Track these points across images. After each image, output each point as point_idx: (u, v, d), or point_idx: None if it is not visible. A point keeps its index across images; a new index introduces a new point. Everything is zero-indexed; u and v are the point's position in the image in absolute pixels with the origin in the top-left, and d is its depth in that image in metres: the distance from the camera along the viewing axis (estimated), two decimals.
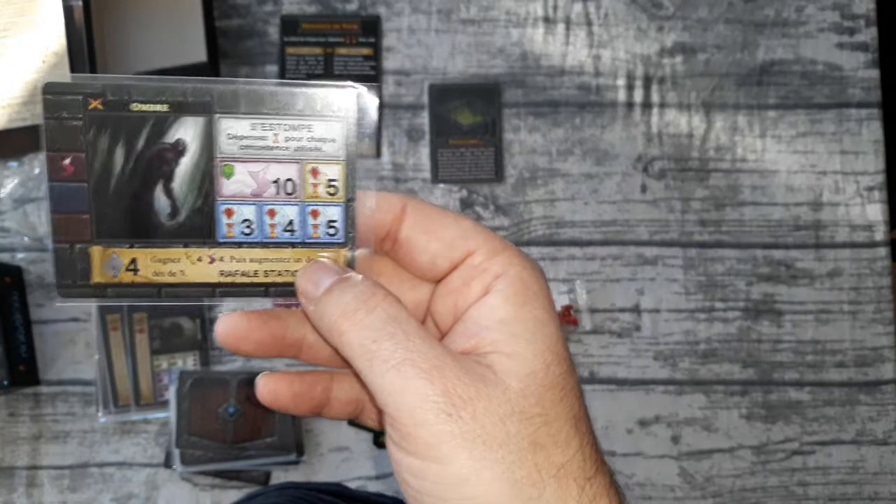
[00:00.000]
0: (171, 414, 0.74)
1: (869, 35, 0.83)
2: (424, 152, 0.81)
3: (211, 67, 0.78)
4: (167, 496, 0.76)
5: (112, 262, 0.27)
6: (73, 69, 0.80)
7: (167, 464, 0.76)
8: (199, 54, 0.77)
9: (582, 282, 0.80)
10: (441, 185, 0.81)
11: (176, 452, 0.73)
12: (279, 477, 0.76)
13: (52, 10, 0.80)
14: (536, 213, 0.81)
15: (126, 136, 0.27)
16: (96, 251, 0.27)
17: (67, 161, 0.26)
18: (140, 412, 0.76)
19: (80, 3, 0.77)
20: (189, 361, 0.77)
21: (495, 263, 0.27)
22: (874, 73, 0.82)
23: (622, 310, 0.80)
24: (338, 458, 0.77)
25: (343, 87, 0.28)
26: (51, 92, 0.26)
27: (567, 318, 0.78)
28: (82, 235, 0.27)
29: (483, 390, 0.25)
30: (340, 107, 0.28)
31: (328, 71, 0.81)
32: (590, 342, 0.80)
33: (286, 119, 0.27)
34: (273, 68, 0.81)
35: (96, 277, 0.27)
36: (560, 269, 0.80)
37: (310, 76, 0.81)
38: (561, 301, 0.79)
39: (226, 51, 0.82)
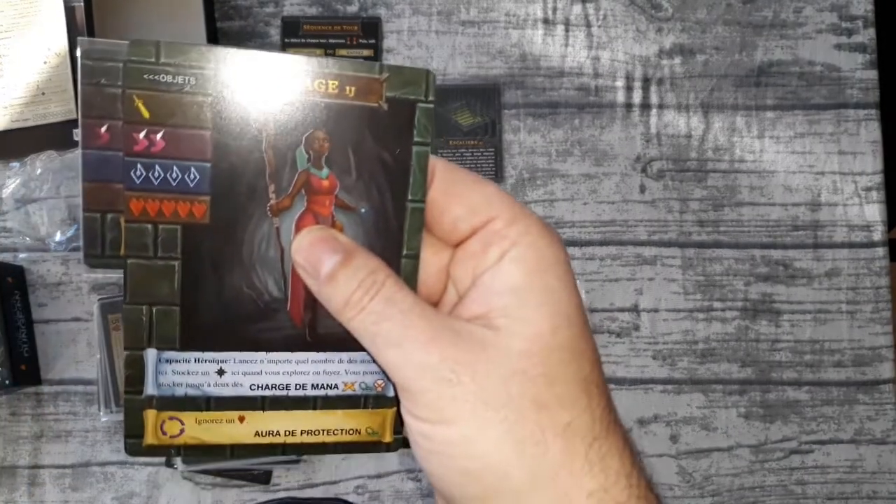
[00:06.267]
0: None
1: (867, 36, 0.83)
2: None
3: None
4: (168, 495, 0.77)
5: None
6: (74, 71, 0.80)
7: (168, 463, 0.76)
8: None
9: (581, 282, 0.80)
10: None
11: None
12: (280, 476, 0.77)
13: (54, 12, 0.80)
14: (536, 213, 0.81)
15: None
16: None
17: (103, 129, 0.25)
18: None
19: (82, 4, 0.77)
20: None
21: (513, 230, 0.27)
22: (872, 74, 0.83)
23: (621, 309, 0.81)
24: (338, 458, 0.78)
25: None
26: (90, 57, 0.25)
27: None
28: (114, 205, 0.26)
29: (482, 354, 0.25)
30: None
31: None
32: None
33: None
34: None
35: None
36: None
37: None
38: None
39: None
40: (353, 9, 0.83)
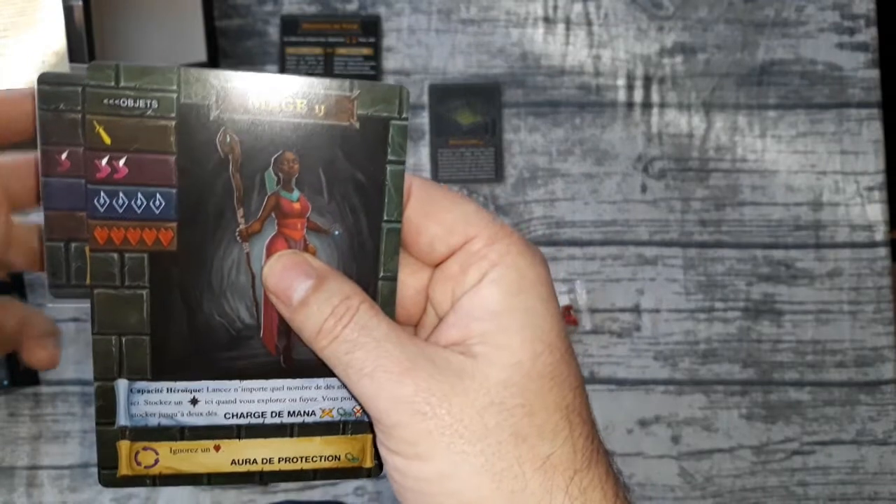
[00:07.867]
0: None
1: (869, 35, 0.83)
2: (424, 152, 0.81)
3: (211, 67, 0.78)
4: (167, 496, 0.77)
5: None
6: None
7: None
8: (199, 54, 0.77)
9: (582, 282, 0.80)
10: None
11: None
12: None
13: (53, 11, 0.80)
14: (536, 213, 0.81)
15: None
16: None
17: (64, 156, 0.25)
18: None
19: (81, 3, 0.77)
20: None
21: (493, 251, 0.26)
22: (874, 73, 0.82)
23: (622, 310, 0.80)
24: None
25: None
26: (47, 82, 0.24)
27: (567, 318, 0.78)
28: (78, 233, 0.25)
29: (458, 385, 0.24)
30: None
31: (328, 71, 0.81)
32: (590, 342, 0.80)
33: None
34: (273, 68, 0.81)
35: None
36: (560, 270, 0.80)
37: (310, 76, 0.81)
38: (561, 301, 0.79)
39: (226, 51, 0.82)
40: (352, 7, 0.82)
